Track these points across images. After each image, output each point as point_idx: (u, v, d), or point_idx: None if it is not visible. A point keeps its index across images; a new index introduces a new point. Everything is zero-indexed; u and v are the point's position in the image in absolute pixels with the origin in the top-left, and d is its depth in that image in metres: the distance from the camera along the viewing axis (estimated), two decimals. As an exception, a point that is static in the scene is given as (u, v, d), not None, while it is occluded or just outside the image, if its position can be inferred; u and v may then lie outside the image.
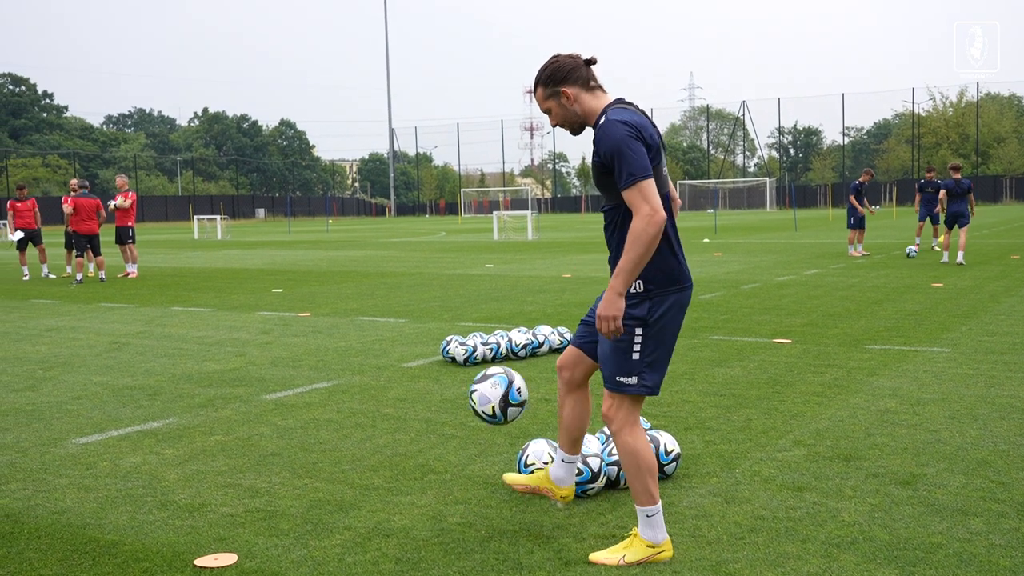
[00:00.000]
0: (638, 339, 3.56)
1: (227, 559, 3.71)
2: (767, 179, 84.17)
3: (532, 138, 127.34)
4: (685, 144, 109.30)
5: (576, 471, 4.19)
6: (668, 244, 3.58)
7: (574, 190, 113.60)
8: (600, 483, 4.39)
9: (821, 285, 13.61)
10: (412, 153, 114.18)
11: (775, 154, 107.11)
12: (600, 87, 3.69)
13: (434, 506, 4.30)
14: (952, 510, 4.08)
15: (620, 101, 3.65)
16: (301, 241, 35.26)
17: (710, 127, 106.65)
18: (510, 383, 4.21)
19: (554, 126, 3.80)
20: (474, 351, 7.76)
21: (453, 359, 7.82)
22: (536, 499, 4.37)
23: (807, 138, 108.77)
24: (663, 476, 4.58)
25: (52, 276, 19.06)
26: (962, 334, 8.79)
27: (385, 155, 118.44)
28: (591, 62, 3.69)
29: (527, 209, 47.97)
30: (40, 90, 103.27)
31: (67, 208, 17.85)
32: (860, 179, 20.57)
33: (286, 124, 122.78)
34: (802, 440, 5.25)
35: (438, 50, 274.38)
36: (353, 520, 4.14)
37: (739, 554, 3.65)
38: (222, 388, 7.12)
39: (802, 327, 9.47)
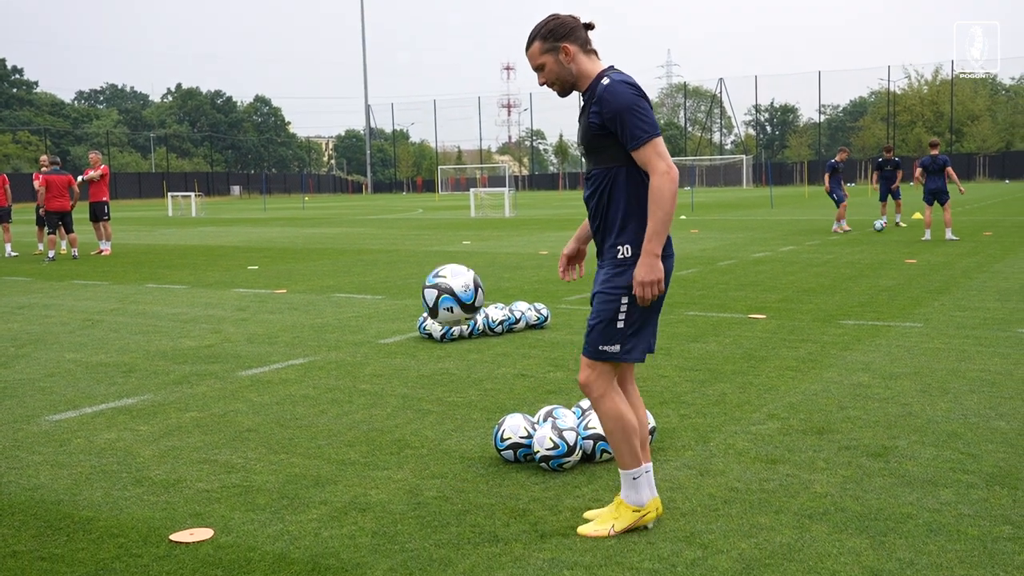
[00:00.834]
0: (623, 307, 3.55)
1: (203, 534, 3.71)
2: (744, 157, 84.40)
3: (509, 115, 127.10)
4: (663, 121, 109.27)
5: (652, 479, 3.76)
6: (645, 210, 3.57)
7: (551, 167, 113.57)
8: (576, 456, 4.41)
9: (796, 261, 13.70)
10: (389, 130, 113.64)
11: (752, 132, 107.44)
12: (595, 51, 3.65)
13: (410, 480, 4.31)
14: (922, 481, 4.13)
15: (612, 68, 3.62)
16: (277, 218, 35.05)
17: (687, 104, 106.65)
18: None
19: (542, 84, 3.71)
20: (451, 327, 7.76)
21: (430, 335, 7.82)
22: (512, 472, 4.39)
23: (783, 116, 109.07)
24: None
25: (15, 254, 18.69)
26: (934, 309, 8.88)
27: (361, 132, 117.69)
28: (589, 26, 3.65)
29: (504, 186, 47.86)
30: (9, 65, 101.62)
31: (38, 185, 17.61)
32: (836, 158, 20.58)
33: (261, 100, 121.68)
34: (776, 414, 5.30)
35: (415, 26, 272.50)
36: (329, 495, 4.14)
37: (713, 525, 3.69)
38: (197, 365, 7.09)
39: (777, 303, 9.54)
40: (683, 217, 28.01)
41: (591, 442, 4.49)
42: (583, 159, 3.77)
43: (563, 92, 3.73)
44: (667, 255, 3.61)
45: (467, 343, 7.68)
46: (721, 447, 4.71)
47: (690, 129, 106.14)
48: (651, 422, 4.63)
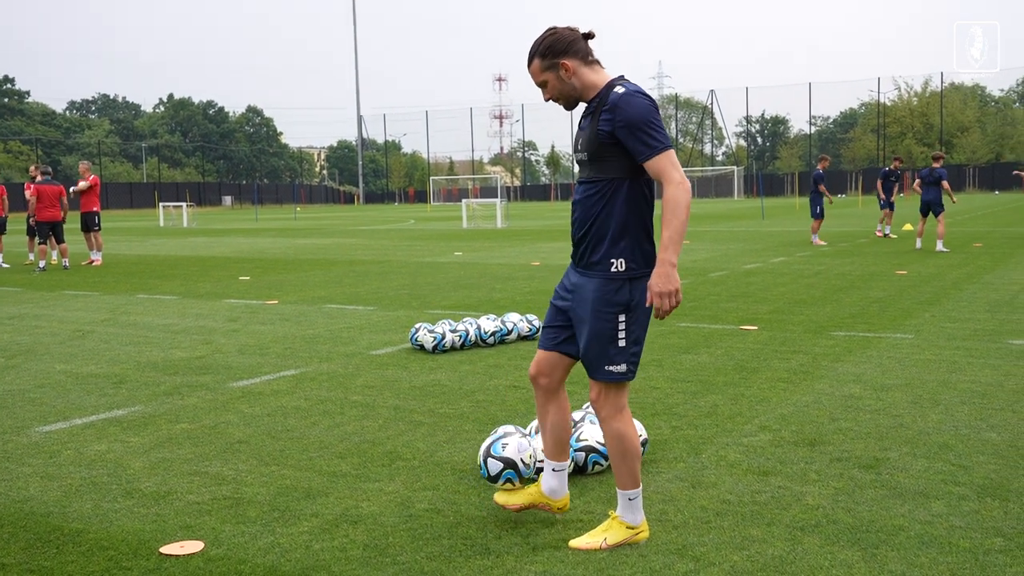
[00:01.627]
0: (622, 325, 3.52)
1: (193, 547, 3.69)
2: (735, 168, 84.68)
3: (501, 126, 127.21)
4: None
5: (567, 477, 3.98)
6: (644, 229, 3.55)
7: (543, 178, 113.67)
8: (567, 469, 4.40)
9: (787, 273, 13.73)
10: (381, 140, 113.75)
11: (743, 143, 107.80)
12: (598, 61, 3.61)
13: (402, 492, 4.30)
14: (914, 493, 4.14)
15: (623, 78, 3.57)
16: (268, 229, 35.01)
17: (679, 116, 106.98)
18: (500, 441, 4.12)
19: (547, 100, 3.68)
20: (443, 338, 7.75)
21: (422, 346, 7.81)
22: (504, 485, 4.37)
23: (774, 127, 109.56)
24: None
25: (6, 266, 18.49)
26: (925, 321, 8.91)
27: (353, 142, 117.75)
28: (589, 36, 3.61)
29: (496, 197, 47.90)
30: (0, 75, 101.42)
31: (30, 196, 17.54)
32: (820, 167, 20.94)
33: (253, 111, 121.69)
34: (768, 425, 5.31)
35: (407, 37, 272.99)
36: (321, 507, 4.13)
37: (705, 537, 3.69)
38: (188, 376, 7.06)
39: (768, 314, 9.55)
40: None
41: (583, 454, 4.48)
42: (578, 165, 3.69)
43: (568, 106, 3.69)
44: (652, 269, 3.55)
45: (459, 355, 7.67)
46: (713, 459, 4.71)
47: (681, 140, 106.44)
48: (643, 434, 4.62)
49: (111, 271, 16.90)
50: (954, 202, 19.75)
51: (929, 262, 14.96)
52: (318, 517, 4.00)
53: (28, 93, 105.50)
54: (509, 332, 8.14)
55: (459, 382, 6.63)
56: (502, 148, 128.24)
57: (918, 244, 17.55)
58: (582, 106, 3.67)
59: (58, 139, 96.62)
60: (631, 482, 3.65)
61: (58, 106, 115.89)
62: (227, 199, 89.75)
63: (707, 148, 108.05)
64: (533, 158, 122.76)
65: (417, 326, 7.97)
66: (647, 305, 3.50)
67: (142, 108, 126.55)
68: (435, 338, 7.75)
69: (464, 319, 8.18)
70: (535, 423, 4.75)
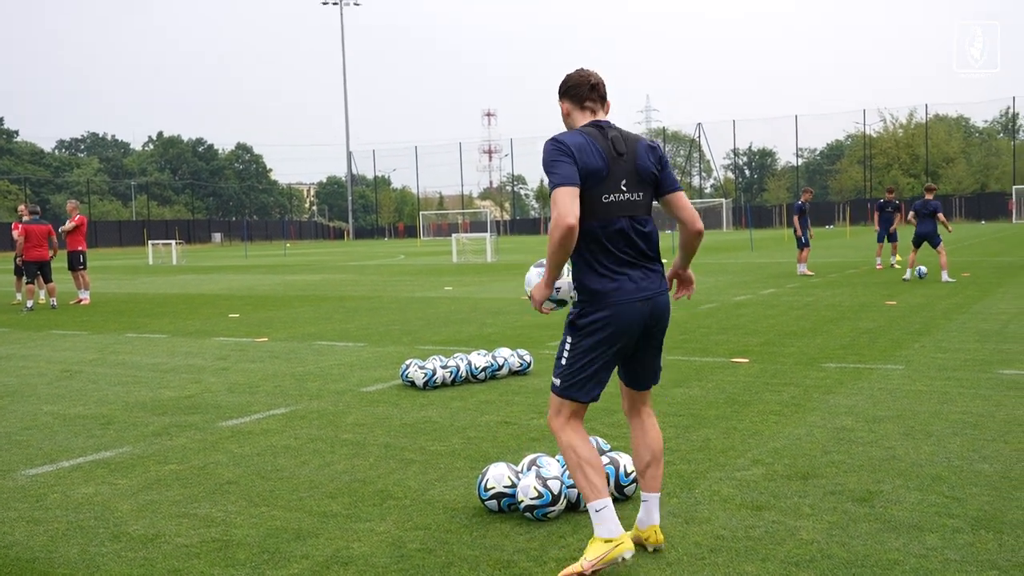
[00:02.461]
0: (567, 345, 3.77)
1: (182, 591, 3.64)
2: (723, 200, 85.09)
3: (491, 160, 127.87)
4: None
5: (656, 508, 3.96)
6: (588, 263, 3.74)
7: (533, 212, 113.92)
8: (561, 506, 4.37)
9: (777, 304, 13.75)
10: (370, 176, 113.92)
11: (731, 175, 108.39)
12: (593, 108, 3.87)
13: (394, 532, 4.26)
14: (908, 526, 4.12)
15: (594, 124, 3.81)
16: (258, 265, 34.96)
17: (667, 149, 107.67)
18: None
19: None
20: (433, 374, 7.73)
21: (412, 383, 7.77)
22: (496, 522, 4.34)
23: (762, 159, 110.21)
24: (623, 497, 4.59)
25: None
26: (915, 351, 8.92)
27: (343, 178, 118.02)
28: (596, 85, 3.86)
29: (486, 231, 48.01)
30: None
31: (18, 236, 17.49)
32: (802, 199, 21.04)
33: (242, 148, 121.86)
34: (760, 459, 5.29)
35: (396, 73, 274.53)
36: (311, 548, 4.08)
37: (700, 574, 3.65)
38: (177, 416, 7.01)
39: (759, 346, 9.56)
40: (664, 261, 28.04)
41: (576, 491, 4.45)
42: None
43: None
44: (605, 307, 3.69)
45: (450, 391, 7.64)
46: (706, 494, 4.68)
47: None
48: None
49: (99, 310, 16.82)
50: (949, 231, 19.96)
51: (918, 292, 15.01)
52: (308, 559, 3.96)
53: (16, 132, 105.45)
54: (500, 367, 8.11)
55: (450, 418, 6.60)
56: (491, 182, 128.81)
57: (907, 275, 17.59)
58: None
59: (47, 178, 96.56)
60: (592, 492, 3.69)
61: (47, 145, 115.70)
62: (216, 236, 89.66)
63: (695, 181, 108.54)
64: (523, 192, 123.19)
65: (408, 362, 7.94)
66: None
67: (131, 146, 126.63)
68: (426, 374, 7.72)
69: (455, 355, 8.16)
70: (527, 459, 4.73)
